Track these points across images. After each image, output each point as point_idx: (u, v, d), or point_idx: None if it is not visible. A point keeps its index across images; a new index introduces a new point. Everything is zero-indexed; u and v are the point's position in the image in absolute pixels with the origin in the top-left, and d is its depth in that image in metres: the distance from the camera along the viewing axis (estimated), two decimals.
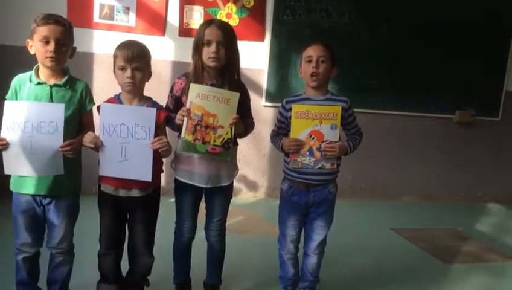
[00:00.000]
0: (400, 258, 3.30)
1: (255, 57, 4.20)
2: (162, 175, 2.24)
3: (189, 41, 3.90)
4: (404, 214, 4.39)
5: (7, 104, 1.93)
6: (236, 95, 2.12)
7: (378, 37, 4.51)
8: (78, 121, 2.06)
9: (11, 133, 1.89)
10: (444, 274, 3.10)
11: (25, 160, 1.91)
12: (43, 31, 1.92)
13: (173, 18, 4.07)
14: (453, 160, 4.92)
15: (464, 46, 4.70)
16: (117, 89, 2.17)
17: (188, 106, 2.09)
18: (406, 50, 4.57)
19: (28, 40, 1.98)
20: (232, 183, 2.32)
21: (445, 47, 4.65)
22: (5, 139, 1.88)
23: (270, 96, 4.33)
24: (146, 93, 2.18)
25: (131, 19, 3.96)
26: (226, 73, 2.19)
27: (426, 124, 4.77)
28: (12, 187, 2.03)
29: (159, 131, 2.06)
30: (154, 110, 2.04)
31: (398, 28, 4.53)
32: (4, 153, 1.91)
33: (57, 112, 1.91)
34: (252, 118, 2.35)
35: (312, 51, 2.25)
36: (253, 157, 4.38)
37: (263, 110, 4.24)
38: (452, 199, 4.91)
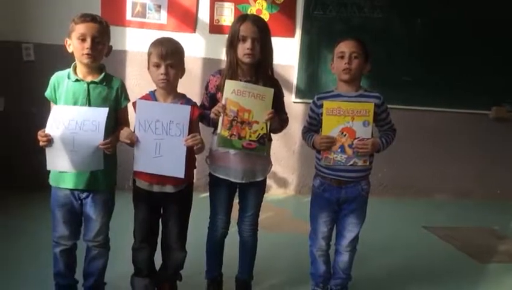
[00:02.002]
0: (433, 257, 3.24)
1: (285, 53, 4.17)
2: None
3: (220, 38, 4.02)
4: (437, 212, 4.31)
5: (55, 108, 2.00)
6: (270, 91, 2.12)
7: (411, 31, 4.43)
8: (114, 117, 2.10)
9: (55, 130, 1.95)
10: (479, 274, 3.03)
11: (66, 156, 1.96)
12: (80, 28, 1.97)
13: (204, 15, 4.09)
14: (489, 157, 4.79)
15: (499, 41, 4.56)
16: (149, 86, 2.20)
17: (223, 102, 2.10)
18: (440, 45, 4.47)
19: (67, 38, 2.03)
20: (265, 179, 2.33)
21: (480, 42, 4.52)
22: (49, 135, 1.94)
23: (300, 93, 4.31)
24: (177, 89, 2.19)
25: (163, 16, 4.01)
26: (260, 69, 2.20)
27: (461, 120, 4.66)
28: (51, 182, 2.09)
29: (192, 128, 2.07)
30: (188, 107, 2.06)
31: (431, 22, 4.44)
32: (47, 149, 1.97)
33: (101, 114, 1.97)
34: (286, 113, 2.36)
35: (344, 47, 2.23)
36: (283, 154, 4.37)
37: (293, 106, 4.22)
38: (487, 197, 4.78)
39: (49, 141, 1.94)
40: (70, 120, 1.95)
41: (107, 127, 1.98)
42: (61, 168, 2.00)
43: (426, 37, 4.44)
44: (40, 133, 1.95)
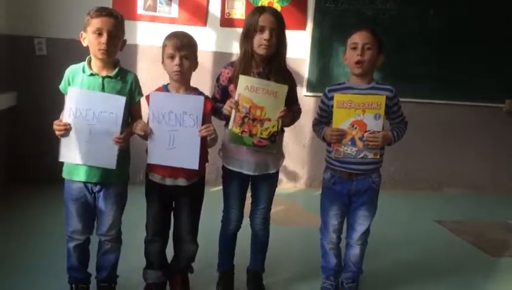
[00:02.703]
0: (445, 251, 3.23)
1: (296, 46, 4.14)
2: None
3: (231, 32, 4.02)
4: (449, 206, 4.28)
5: (71, 90, 1.99)
6: (284, 88, 2.11)
7: (424, 23, 4.38)
8: (128, 111, 2.10)
9: (73, 119, 1.96)
10: (492, 268, 3.01)
11: (81, 148, 1.98)
12: (96, 23, 1.97)
13: (215, 8, 4.09)
14: (502, 151, 4.75)
15: None
16: (161, 80, 2.21)
17: (236, 97, 2.10)
18: (453, 36, 4.43)
19: (82, 32, 2.03)
20: (278, 171, 2.33)
21: (494, 33, 4.46)
22: (68, 124, 1.96)
23: (311, 86, 4.29)
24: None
25: (174, 10, 4.01)
26: (274, 61, 2.19)
27: (474, 113, 4.62)
28: (64, 175, 2.10)
29: (205, 121, 2.08)
30: (202, 98, 2.07)
31: (445, 13, 4.39)
32: (62, 140, 1.98)
33: (118, 104, 1.97)
34: (299, 104, 2.35)
35: (358, 38, 2.21)
36: (293, 148, 4.36)
37: (304, 100, 4.19)
38: (500, 191, 4.73)
39: (67, 130, 1.95)
40: (87, 110, 1.96)
41: (122, 123, 1.99)
42: (74, 160, 2.01)
43: (439, 29, 4.39)
44: (57, 122, 1.97)
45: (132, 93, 2.11)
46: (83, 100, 1.98)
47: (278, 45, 2.15)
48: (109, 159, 2.00)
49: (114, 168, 2.01)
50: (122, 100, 1.98)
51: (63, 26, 3.75)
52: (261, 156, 2.21)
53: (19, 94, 3.84)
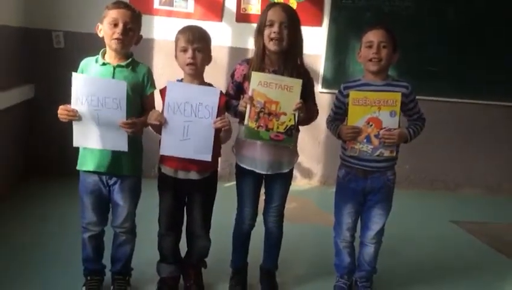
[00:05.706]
0: (461, 252, 3.18)
1: (312, 42, 4.10)
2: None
3: (247, 27, 4.01)
4: (466, 207, 4.22)
5: (74, 76, 1.99)
6: (299, 82, 2.08)
7: (442, 21, 4.30)
8: (139, 103, 2.11)
9: (80, 106, 1.97)
10: (508, 269, 2.96)
11: (93, 132, 1.99)
12: (113, 13, 2.00)
13: (231, 3, 4.07)
14: None
15: None
16: (175, 75, 2.21)
17: (250, 93, 2.08)
18: (471, 34, 4.34)
19: (99, 24, 2.06)
20: (292, 170, 2.31)
21: None
22: (77, 111, 1.96)
23: (327, 83, 4.25)
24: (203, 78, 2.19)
25: (190, 5, 4.01)
26: (289, 58, 2.16)
27: (491, 112, 4.53)
28: (78, 166, 2.12)
29: (219, 114, 2.07)
30: (218, 90, 2.07)
31: (463, 11, 4.31)
32: (75, 125, 1.99)
33: (120, 89, 1.96)
34: (316, 105, 2.32)
35: (373, 36, 2.18)
36: (308, 145, 4.33)
37: (319, 96, 4.05)
38: None
39: (75, 116, 1.96)
40: (92, 96, 1.96)
41: (132, 112, 2.01)
42: (88, 144, 2.03)
43: (458, 26, 4.32)
44: (65, 107, 1.97)
45: (144, 85, 2.11)
46: (87, 86, 1.97)
47: (291, 41, 2.12)
48: (120, 142, 2.00)
49: (126, 150, 2.01)
50: (123, 84, 1.97)
51: (81, 20, 3.78)
52: (274, 155, 2.20)
53: (37, 87, 3.88)
